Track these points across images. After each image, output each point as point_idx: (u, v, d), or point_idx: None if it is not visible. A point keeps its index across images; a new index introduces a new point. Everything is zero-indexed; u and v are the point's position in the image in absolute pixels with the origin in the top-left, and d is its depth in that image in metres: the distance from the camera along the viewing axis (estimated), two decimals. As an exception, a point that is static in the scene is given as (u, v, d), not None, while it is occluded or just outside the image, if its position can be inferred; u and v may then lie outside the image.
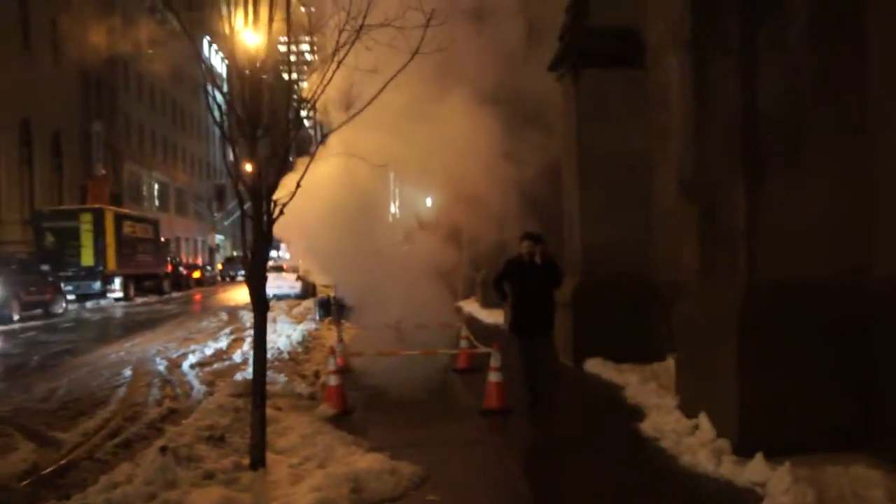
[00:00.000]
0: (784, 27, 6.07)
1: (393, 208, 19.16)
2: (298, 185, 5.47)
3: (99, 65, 40.64)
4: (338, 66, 5.49)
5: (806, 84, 6.10)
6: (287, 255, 36.37)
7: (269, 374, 9.56)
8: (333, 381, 8.10)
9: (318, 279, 18.99)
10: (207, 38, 33.07)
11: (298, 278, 29.58)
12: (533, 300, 8.01)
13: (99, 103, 40.98)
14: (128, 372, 11.28)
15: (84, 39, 36.49)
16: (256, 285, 5.48)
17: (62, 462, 6.48)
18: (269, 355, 11.49)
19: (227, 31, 5.37)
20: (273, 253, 38.30)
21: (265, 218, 5.40)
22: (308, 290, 29.22)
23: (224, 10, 5.39)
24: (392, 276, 11.42)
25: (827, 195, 6.05)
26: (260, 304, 5.54)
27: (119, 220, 29.74)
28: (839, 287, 5.98)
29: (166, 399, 9.11)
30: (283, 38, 5.67)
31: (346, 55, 5.50)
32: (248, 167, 5.39)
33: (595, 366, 10.07)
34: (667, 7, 9.93)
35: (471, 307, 20.02)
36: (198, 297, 33.81)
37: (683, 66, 8.62)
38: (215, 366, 11.80)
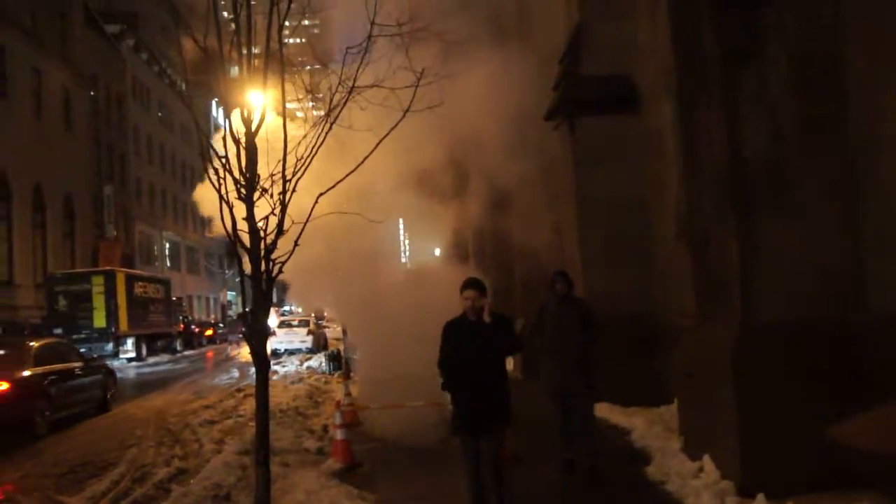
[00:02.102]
0: (766, 76, 6.23)
1: (403, 258, 19.13)
2: (296, 244, 5.60)
3: (109, 129, 41.62)
4: (331, 127, 5.68)
5: (791, 129, 6.22)
6: (299, 310, 36.52)
7: (277, 429, 9.62)
8: (340, 435, 8.14)
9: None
10: (215, 100, 33.81)
11: (309, 332, 29.74)
12: (476, 378, 5.19)
13: (110, 166, 41.77)
14: (138, 432, 11.32)
15: (94, 105, 37.42)
16: (256, 344, 5.58)
17: (69, 527, 6.53)
18: (277, 410, 11.62)
19: (224, 98, 5.58)
20: (284, 308, 38.47)
21: (265, 278, 5.52)
22: (319, 344, 29.31)
23: (221, 79, 5.61)
24: (403, 328, 11.40)
25: (817, 236, 6.13)
26: (261, 362, 5.62)
27: (130, 281, 30.02)
28: (834, 326, 6.01)
29: (175, 458, 9.14)
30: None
31: (338, 115, 5.70)
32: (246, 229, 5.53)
33: (603, 410, 9.99)
34: (656, 56, 10.16)
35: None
36: (210, 354, 33.87)
37: (675, 113, 8.79)
38: (225, 423, 11.83)
